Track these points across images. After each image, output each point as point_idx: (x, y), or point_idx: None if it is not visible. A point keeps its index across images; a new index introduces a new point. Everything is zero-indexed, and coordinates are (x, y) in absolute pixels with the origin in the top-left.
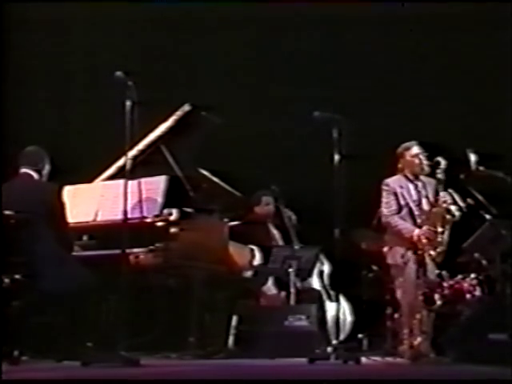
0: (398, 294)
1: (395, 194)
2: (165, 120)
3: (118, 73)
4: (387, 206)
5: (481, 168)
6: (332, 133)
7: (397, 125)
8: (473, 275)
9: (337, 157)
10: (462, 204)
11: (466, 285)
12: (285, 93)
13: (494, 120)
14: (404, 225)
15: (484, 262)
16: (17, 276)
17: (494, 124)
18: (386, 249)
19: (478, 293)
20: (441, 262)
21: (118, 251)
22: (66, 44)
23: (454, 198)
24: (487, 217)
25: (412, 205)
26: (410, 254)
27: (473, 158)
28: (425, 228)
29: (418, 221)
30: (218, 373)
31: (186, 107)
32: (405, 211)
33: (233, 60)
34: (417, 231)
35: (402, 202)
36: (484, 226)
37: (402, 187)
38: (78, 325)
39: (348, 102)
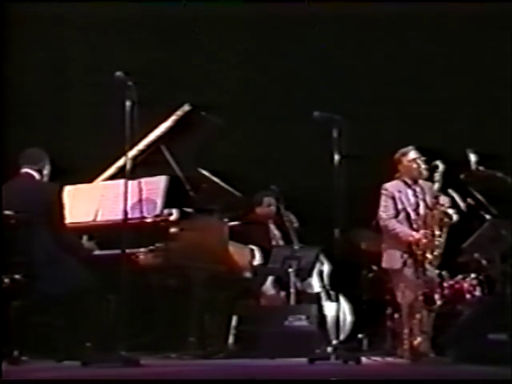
0: (398, 296)
1: (393, 199)
2: (165, 120)
3: (118, 73)
4: (385, 210)
5: (481, 168)
6: (332, 133)
7: (397, 125)
8: (473, 275)
9: (337, 157)
10: (462, 204)
11: (466, 285)
12: (285, 93)
13: (494, 120)
14: (401, 228)
15: (484, 261)
16: (17, 276)
17: (494, 124)
18: (382, 252)
19: (477, 293)
20: (438, 265)
21: (117, 251)
22: (66, 44)
23: (452, 201)
24: (487, 217)
25: (409, 209)
26: (406, 256)
27: (473, 158)
28: (422, 231)
29: (415, 225)
30: (218, 373)
31: (186, 107)
32: (402, 215)
33: (233, 60)
34: (414, 235)
35: (400, 207)
36: (484, 226)
37: (400, 192)
38: (78, 325)
39: (348, 102)
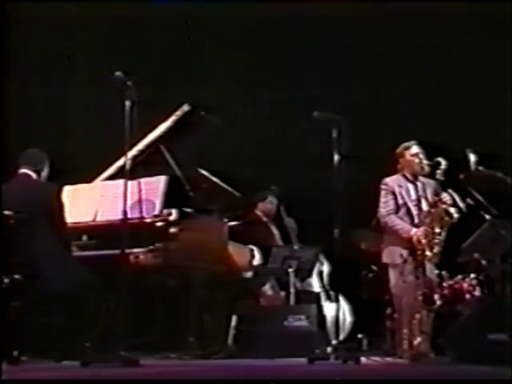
0: (394, 292)
1: (393, 194)
2: (165, 120)
3: (118, 73)
4: (385, 206)
5: (480, 168)
6: (332, 133)
7: (397, 125)
8: (473, 275)
9: (336, 157)
10: (461, 204)
11: (465, 285)
12: (285, 93)
13: (493, 120)
14: (401, 225)
15: (484, 262)
16: (17, 276)
17: (494, 124)
18: (382, 247)
19: (477, 293)
20: (436, 263)
21: (117, 251)
22: (66, 44)
23: (453, 200)
24: (487, 217)
25: (410, 205)
26: (406, 253)
27: (472, 158)
28: (422, 228)
29: (416, 221)
30: (218, 373)
31: (186, 107)
32: (403, 211)
33: (233, 60)
34: (414, 231)
35: (400, 202)
36: (484, 226)
37: (400, 186)
38: (77, 325)
39: (348, 102)
